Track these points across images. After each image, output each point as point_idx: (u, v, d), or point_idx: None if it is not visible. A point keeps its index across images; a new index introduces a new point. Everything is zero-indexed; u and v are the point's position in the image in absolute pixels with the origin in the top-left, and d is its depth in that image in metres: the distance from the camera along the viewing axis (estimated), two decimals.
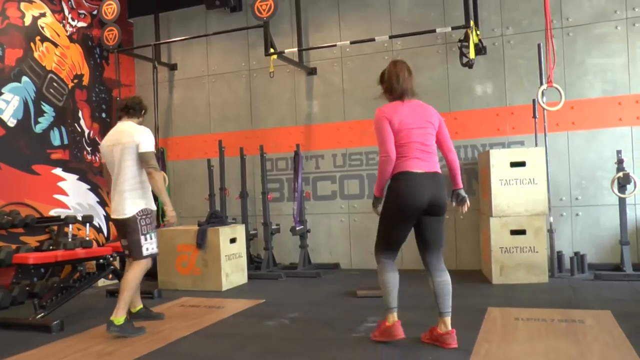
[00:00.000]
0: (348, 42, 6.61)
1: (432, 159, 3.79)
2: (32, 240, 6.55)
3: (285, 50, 6.73)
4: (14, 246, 6.06)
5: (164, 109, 8.18)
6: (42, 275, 6.57)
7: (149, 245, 4.42)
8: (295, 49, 6.93)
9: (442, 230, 3.87)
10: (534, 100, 6.01)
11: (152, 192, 4.52)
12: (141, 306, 4.88)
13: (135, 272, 4.41)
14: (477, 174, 6.62)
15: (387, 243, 3.93)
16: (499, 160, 5.75)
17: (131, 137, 4.39)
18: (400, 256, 6.80)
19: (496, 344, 3.67)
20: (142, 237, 4.39)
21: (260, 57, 7.43)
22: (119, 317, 4.27)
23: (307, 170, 7.31)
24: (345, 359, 3.56)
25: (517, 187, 5.72)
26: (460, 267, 6.68)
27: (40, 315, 4.77)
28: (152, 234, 4.45)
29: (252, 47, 7.66)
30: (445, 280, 3.80)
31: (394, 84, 3.92)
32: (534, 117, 6.03)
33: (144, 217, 4.41)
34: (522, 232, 5.65)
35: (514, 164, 5.74)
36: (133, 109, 4.59)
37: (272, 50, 6.50)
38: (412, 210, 3.72)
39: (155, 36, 8.05)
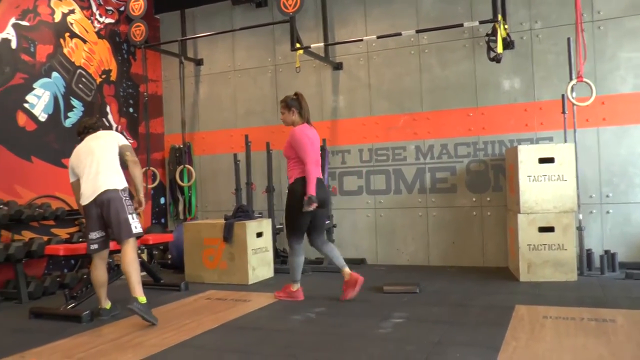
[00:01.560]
0: (374, 36, 6.58)
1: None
2: (62, 233, 6.67)
3: (312, 45, 6.72)
4: (45, 238, 6.19)
5: (190, 103, 8.24)
6: (72, 266, 6.70)
7: (136, 223, 4.60)
8: (322, 44, 6.92)
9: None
10: (563, 96, 5.93)
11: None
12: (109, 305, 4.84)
13: (132, 252, 4.53)
14: (504, 170, 6.56)
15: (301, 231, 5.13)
16: (527, 156, 5.68)
17: (109, 136, 4.85)
18: (427, 253, 6.83)
19: (524, 342, 3.63)
20: (130, 216, 4.56)
21: (285, 52, 7.44)
22: (141, 295, 4.42)
23: (333, 165, 7.31)
24: (370, 355, 3.56)
25: (546, 184, 5.65)
26: (487, 264, 6.63)
27: (71, 306, 4.88)
28: (135, 215, 4.64)
29: (278, 43, 7.68)
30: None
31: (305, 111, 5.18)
32: (563, 112, 5.95)
33: (127, 197, 4.63)
34: (550, 229, 5.58)
35: (542, 160, 5.67)
36: (92, 128, 4.95)
37: (298, 45, 6.50)
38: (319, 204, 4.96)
39: (181, 32, 8.11)
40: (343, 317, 4.51)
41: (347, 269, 5.16)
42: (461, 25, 6.16)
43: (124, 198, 4.60)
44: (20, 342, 4.15)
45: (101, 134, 4.93)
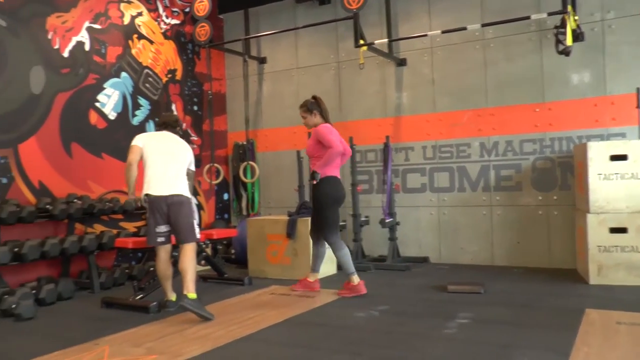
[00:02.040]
0: (439, 31, 6.48)
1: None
2: (130, 226, 6.90)
3: (375, 42, 6.69)
4: (114, 231, 6.41)
5: (254, 101, 8.35)
6: (139, 259, 6.92)
7: (198, 229, 4.88)
8: (385, 40, 6.87)
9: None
10: (638, 89, 5.67)
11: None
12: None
13: (192, 252, 4.72)
14: (572, 167, 6.34)
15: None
16: (597, 153, 5.47)
17: (188, 153, 5.05)
18: (490, 253, 6.68)
19: (596, 348, 3.48)
20: (195, 221, 4.84)
21: (349, 49, 7.43)
22: (192, 292, 4.53)
23: (396, 162, 7.25)
24: (435, 355, 3.51)
25: (618, 182, 5.42)
26: (553, 265, 6.43)
27: (139, 297, 5.04)
28: (197, 222, 4.93)
29: (341, 39, 7.67)
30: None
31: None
32: (638, 107, 5.69)
33: (194, 205, 4.93)
34: (622, 230, 5.35)
35: (614, 157, 5.44)
36: (172, 127, 5.14)
37: (362, 41, 6.47)
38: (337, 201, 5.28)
39: (244, 31, 8.23)
40: (406, 315, 4.48)
41: (355, 276, 5.26)
42: (528, 17, 5.98)
43: (193, 205, 4.89)
44: (94, 329, 4.34)
45: (181, 142, 5.08)
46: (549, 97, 6.49)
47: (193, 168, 5.09)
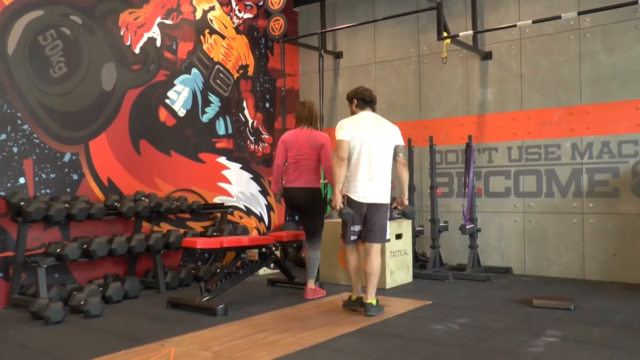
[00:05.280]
0: (529, 21, 6.26)
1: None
2: (197, 226, 7.04)
3: (460, 34, 6.54)
4: (181, 230, 6.55)
5: (328, 98, 8.36)
6: (205, 259, 7.04)
7: (388, 230, 5.01)
8: (470, 32, 6.72)
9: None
10: None
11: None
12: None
13: (379, 256, 4.94)
14: None
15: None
16: None
17: (393, 132, 4.96)
18: (582, 266, 6.39)
19: None
20: (387, 223, 4.97)
21: (431, 42, 7.31)
22: (374, 299, 4.85)
23: (479, 164, 7.07)
24: None
25: None
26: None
27: (206, 299, 5.11)
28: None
29: (422, 32, 7.56)
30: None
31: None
32: None
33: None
34: None
35: None
36: (374, 103, 5.10)
37: (445, 34, 6.35)
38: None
39: (320, 24, 8.25)
40: (488, 330, 4.33)
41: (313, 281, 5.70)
42: (635, 2, 5.65)
43: (388, 205, 5.00)
44: (160, 330, 4.43)
45: (387, 125, 4.98)
46: None
47: (401, 141, 4.98)
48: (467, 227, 6.50)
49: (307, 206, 5.71)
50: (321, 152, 5.59)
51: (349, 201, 4.82)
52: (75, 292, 5.16)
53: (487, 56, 7.09)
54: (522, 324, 4.47)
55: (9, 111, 5.49)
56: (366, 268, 4.90)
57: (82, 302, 4.94)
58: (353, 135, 4.81)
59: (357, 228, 4.91)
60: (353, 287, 5.09)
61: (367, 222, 4.89)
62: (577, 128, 6.53)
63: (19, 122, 5.56)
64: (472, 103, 7.23)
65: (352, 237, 4.94)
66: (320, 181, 7.21)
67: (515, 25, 6.44)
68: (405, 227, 6.42)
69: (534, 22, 6.23)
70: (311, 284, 5.68)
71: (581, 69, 6.51)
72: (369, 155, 4.81)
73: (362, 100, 5.02)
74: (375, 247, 4.92)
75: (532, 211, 6.80)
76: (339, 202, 4.78)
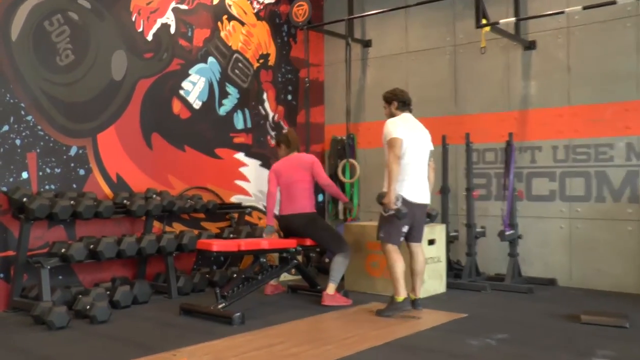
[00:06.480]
0: (579, 7, 6.16)
1: None
2: (212, 227, 7.05)
3: (500, 21, 6.47)
4: (195, 231, 6.55)
5: (355, 90, 8.32)
6: (221, 263, 7.05)
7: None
8: (512, 19, 6.66)
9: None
10: None
11: None
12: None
13: (424, 254, 5.50)
14: None
15: None
16: None
17: (428, 134, 5.53)
18: (637, 277, 6.29)
19: None
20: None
21: (468, 30, 7.24)
22: (418, 295, 5.36)
23: (520, 165, 6.99)
24: None
25: None
26: None
27: (221, 306, 5.11)
28: None
29: (459, 19, 7.50)
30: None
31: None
32: None
33: None
34: None
35: None
36: (410, 104, 5.54)
37: (484, 21, 6.29)
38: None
39: (348, 10, 8.20)
40: (530, 347, 4.26)
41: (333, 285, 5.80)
42: None
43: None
44: (171, 338, 4.45)
45: (423, 127, 5.51)
46: None
47: (433, 162, 5.58)
48: (507, 233, 6.43)
49: (307, 232, 5.96)
50: (314, 171, 6.02)
51: (406, 202, 5.16)
52: (80, 296, 5.19)
53: (530, 46, 7.00)
54: (568, 342, 4.41)
55: (11, 101, 5.54)
56: (415, 267, 5.39)
57: (87, 307, 4.96)
58: (405, 135, 5.22)
59: (406, 229, 5.28)
60: (402, 287, 5.23)
61: (414, 222, 5.31)
62: (633, 126, 6.41)
63: (22, 112, 5.61)
64: (513, 97, 7.15)
65: (402, 239, 5.31)
66: (346, 180, 7.22)
67: (562, 12, 6.37)
68: (439, 232, 6.38)
69: (584, 8, 6.13)
70: (331, 289, 5.73)
71: (638, 60, 6.40)
72: (417, 156, 5.30)
73: (403, 102, 5.47)
74: (421, 247, 5.48)
75: (580, 217, 6.70)
76: (393, 200, 5.08)
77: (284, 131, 6.45)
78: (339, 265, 5.81)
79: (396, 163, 5.11)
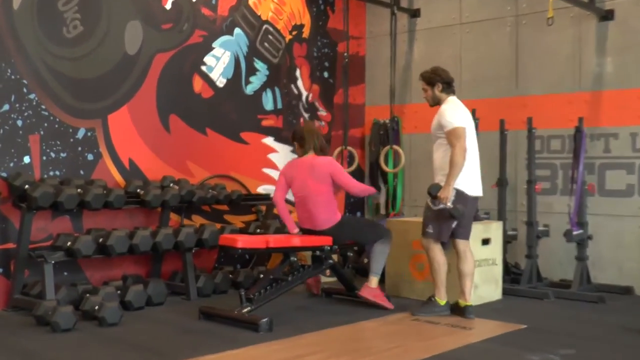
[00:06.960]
0: None
1: None
2: (236, 220, 7.08)
3: None
4: (218, 225, 6.60)
5: (401, 67, 8.31)
6: (246, 262, 7.08)
7: None
8: None
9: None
10: None
11: None
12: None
13: (473, 254, 5.56)
14: None
15: None
16: None
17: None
18: None
19: None
20: None
21: None
22: (469, 302, 5.46)
23: (591, 154, 6.92)
24: None
25: None
26: None
27: (246, 310, 5.12)
28: None
29: None
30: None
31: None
32: None
33: None
34: None
35: None
36: (453, 85, 5.69)
37: None
38: None
39: None
40: None
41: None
42: None
43: None
44: (190, 345, 4.49)
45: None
46: None
47: None
48: (575, 233, 6.40)
49: (337, 241, 5.83)
50: (338, 181, 5.78)
51: (463, 196, 5.32)
52: (88, 295, 5.25)
53: (606, 16, 6.92)
54: None
55: (12, 77, 5.62)
56: (464, 267, 5.46)
57: (96, 307, 5.02)
58: (466, 123, 5.40)
59: (454, 224, 5.39)
60: (443, 288, 5.48)
61: (466, 217, 5.41)
62: None
63: (24, 90, 5.69)
64: (584, 76, 7.08)
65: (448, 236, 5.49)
66: (388, 170, 7.19)
67: None
68: (495, 230, 6.36)
69: None
70: (373, 282, 5.79)
71: None
72: (474, 145, 5.49)
73: (447, 84, 5.57)
74: (469, 245, 5.53)
75: None
76: (451, 197, 5.24)
77: (301, 125, 6.35)
78: (377, 254, 5.85)
79: (463, 156, 5.24)
